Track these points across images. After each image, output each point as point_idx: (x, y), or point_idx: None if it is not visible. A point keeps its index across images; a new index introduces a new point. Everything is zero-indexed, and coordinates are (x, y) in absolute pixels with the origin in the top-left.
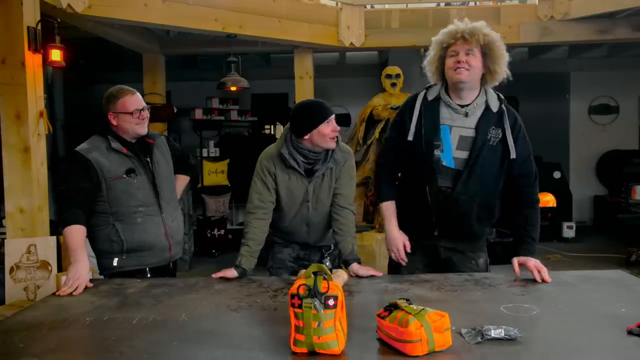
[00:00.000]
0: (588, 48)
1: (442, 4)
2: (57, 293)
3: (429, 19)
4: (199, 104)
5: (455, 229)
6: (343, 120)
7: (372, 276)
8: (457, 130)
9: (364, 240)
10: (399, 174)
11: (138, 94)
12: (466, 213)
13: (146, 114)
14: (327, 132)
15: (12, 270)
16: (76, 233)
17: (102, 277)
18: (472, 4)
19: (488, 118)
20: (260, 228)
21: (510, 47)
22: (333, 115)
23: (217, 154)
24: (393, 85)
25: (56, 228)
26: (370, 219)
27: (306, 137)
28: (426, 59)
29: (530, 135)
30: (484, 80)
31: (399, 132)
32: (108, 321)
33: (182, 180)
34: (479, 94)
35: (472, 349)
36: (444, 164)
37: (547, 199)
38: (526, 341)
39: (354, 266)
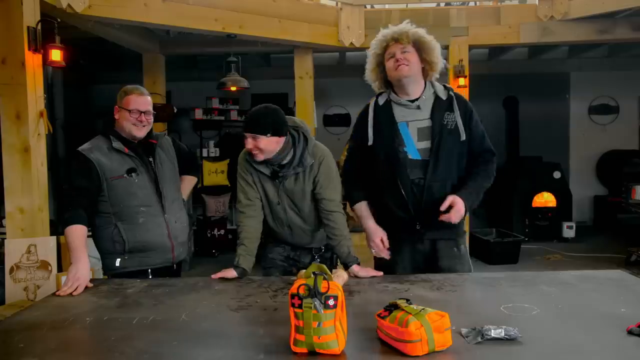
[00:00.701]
0: (588, 48)
1: (442, 4)
2: (57, 293)
3: (429, 19)
4: (199, 104)
5: (434, 218)
6: (343, 121)
7: (372, 276)
8: (414, 124)
9: (363, 241)
10: (369, 178)
11: (147, 97)
12: (442, 199)
13: (147, 118)
14: (248, 146)
15: (12, 270)
16: (77, 233)
17: (105, 277)
18: (472, 4)
19: (440, 106)
20: (253, 226)
21: (510, 47)
22: (250, 136)
23: (217, 154)
24: None
25: (56, 228)
26: None
27: None
28: (366, 72)
29: (530, 135)
30: (425, 74)
31: (359, 139)
32: (108, 321)
33: (189, 181)
34: (425, 87)
35: (472, 349)
36: (410, 157)
37: (547, 199)
38: (526, 341)
39: (354, 268)
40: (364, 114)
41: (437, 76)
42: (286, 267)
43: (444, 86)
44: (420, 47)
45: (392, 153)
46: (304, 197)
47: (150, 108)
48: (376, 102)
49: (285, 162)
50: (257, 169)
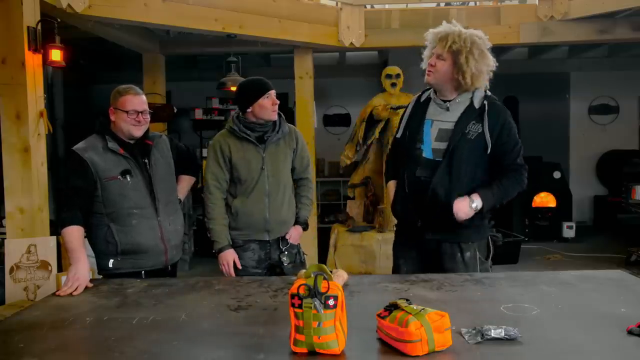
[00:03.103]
0: (588, 48)
1: (442, 4)
2: (57, 293)
3: (429, 19)
4: (199, 104)
5: (436, 219)
6: (343, 120)
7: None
8: (437, 124)
9: (364, 240)
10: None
11: (142, 96)
12: (444, 202)
13: (145, 117)
14: (267, 105)
15: (12, 270)
16: (74, 233)
17: (100, 277)
18: (472, 4)
19: (469, 114)
20: (221, 206)
21: (510, 47)
22: (272, 91)
23: None
24: (393, 85)
25: (56, 228)
26: (370, 219)
27: (249, 109)
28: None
29: (530, 135)
30: (458, 84)
31: (396, 131)
32: (108, 321)
33: (187, 181)
34: (459, 93)
35: (472, 349)
36: (424, 155)
37: (547, 199)
38: (526, 341)
39: (297, 228)
40: (406, 108)
41: (477, 87)
42: (260, 273)
43: (486, 95)
44: (455, 60)
45: (409, 147)
46: (284, 161)
47: (147, 107)
48: (418, 98)
49: (266, 129)
50: (242, 138)
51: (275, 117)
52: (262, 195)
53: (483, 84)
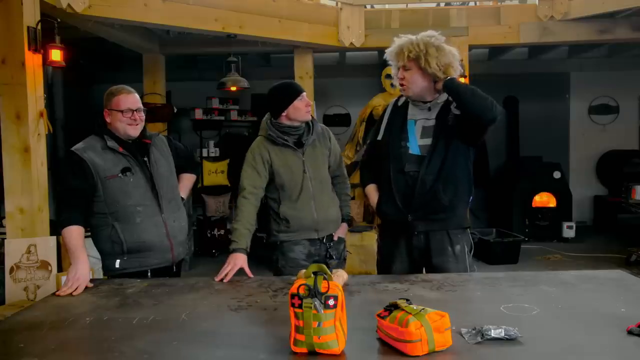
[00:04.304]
0: (588, 48)
1: (442, 4)
2: (57, 293)
3: (429, 19)
4: (199, 104)
5: (425, 208)
6: (343, 120)
7: (367, 275)
8: (420, 122)
9: (364, 240)
10: (379, 170)
11: (135, 95)
12: (432, 188)
13: (140, 116)
14: (301, 106)
15: (12, 270)
16: (74, 234)
17: (105, 277)
18: (472, 4)
19: (447, 108)
20: (252, 212)
21: (510, 47)
22: (305, 93)
23: (217, 154)
24: (393, 85)
25: (56, 228)
26: (370, 219)
27: (283, 114)
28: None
29: (530, 135)
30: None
31: (374, 134)
32: (108, 321)
33: (189, 179)
34: (440, 93)
35: (472, 349)
36: (410, 152)
37: (547, 199)
38: (526, 341)
39: (344, 225)
40: (383, 113)
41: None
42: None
43: None
44: (418, 65)
45: (395, 147)
46: (322, 163)
47: (141, 105)
48: (395, 103)
49: (300, 131)
50: (280, 144)
51: (309, 117)
52: (308, 199)
53: (456, 74)
